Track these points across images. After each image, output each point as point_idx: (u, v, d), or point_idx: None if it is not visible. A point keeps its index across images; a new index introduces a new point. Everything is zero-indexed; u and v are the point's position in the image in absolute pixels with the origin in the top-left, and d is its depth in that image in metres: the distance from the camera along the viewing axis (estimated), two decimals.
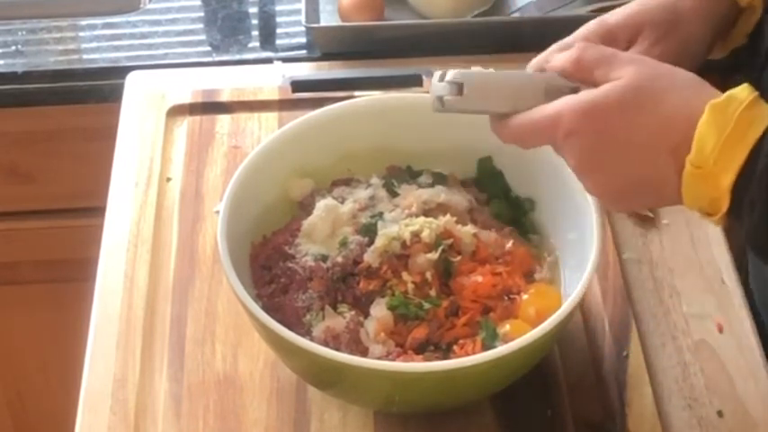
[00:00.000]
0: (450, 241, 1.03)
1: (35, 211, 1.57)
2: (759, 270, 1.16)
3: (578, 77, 0.89)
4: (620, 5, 1.04)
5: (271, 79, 1.37)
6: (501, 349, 0.93)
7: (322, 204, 1.06)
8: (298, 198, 1.11)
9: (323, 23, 1.45)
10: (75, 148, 1.49)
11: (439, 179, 1.11)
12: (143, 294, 1.13)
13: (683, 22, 1.00)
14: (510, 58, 1.38)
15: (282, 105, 1.33)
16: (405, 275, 1.01)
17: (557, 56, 0.92)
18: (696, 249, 1.17)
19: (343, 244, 1.04)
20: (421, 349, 0.99)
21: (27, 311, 1.65)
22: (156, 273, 1.15)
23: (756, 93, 0.83)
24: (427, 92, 1.29)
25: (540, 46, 1.38)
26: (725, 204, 0.82)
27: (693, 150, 0.82)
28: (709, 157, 0.81)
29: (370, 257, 1.02)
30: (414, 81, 1.33)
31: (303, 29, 1.45)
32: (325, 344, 0.98)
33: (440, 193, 1.08)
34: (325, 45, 1.44)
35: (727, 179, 0.81)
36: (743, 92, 0.82)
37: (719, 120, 0.81)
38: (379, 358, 0.97)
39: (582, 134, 0.86)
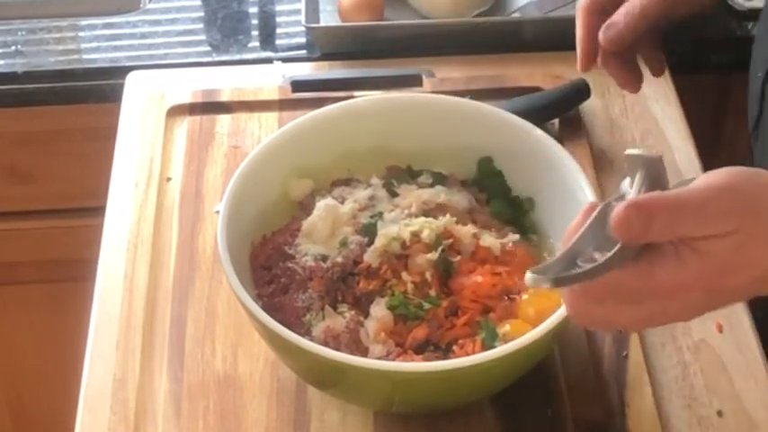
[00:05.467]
0: (449, 241, 1.03)
1: (35, 211, 1.57)
2: None
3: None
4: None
5: (271, 79, 1.37)
6: (501, 349, 0.93)
7: (322, 204, 1.06)
8: (298, 198, 1.11)
9: (323, 23, 1.45)
10: (75, 148, 1.49)
11: (439, 179, 1.11)
12: (143, 294, 1.13)
13: None
14: (510, 58, 1.39)
15: (282, 105, 1.32)
16: (404, 275, 1.01)
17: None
18: None
19: (344, 244, 1.04)
20: (421, 349, 0.99)
21: (27, 311, 1.65)
22: (156, 273, 1.15)
23: None
24: (427, 91, 1.30)
25: (541, 46, 1.39)
26: None
27: None
28: None
29: (370, 257, 1.02)
30: (414, 81, 1.33)
31: (303, 29, 1.45)
32: (326, 344, 0.98)
33: (440, 193, 1.08)
34: (325, 45, 1.44)
35: None
36: None
37: None
38: (379, 358, 0.97)
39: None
